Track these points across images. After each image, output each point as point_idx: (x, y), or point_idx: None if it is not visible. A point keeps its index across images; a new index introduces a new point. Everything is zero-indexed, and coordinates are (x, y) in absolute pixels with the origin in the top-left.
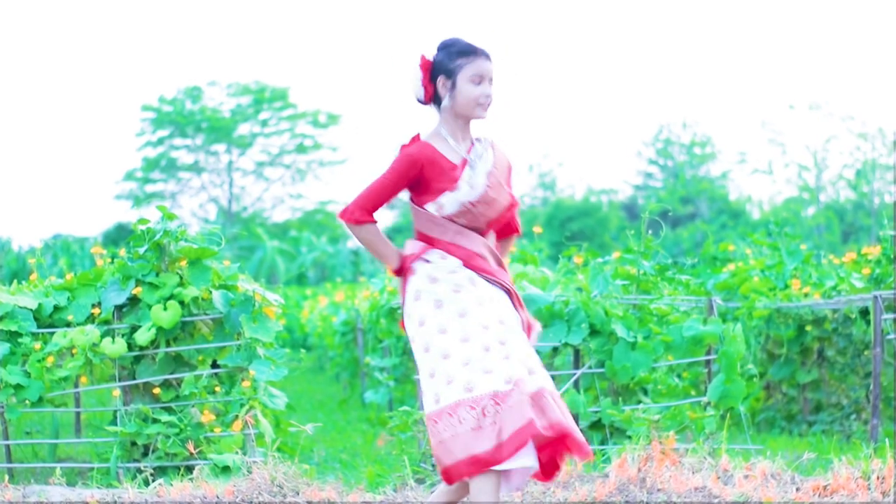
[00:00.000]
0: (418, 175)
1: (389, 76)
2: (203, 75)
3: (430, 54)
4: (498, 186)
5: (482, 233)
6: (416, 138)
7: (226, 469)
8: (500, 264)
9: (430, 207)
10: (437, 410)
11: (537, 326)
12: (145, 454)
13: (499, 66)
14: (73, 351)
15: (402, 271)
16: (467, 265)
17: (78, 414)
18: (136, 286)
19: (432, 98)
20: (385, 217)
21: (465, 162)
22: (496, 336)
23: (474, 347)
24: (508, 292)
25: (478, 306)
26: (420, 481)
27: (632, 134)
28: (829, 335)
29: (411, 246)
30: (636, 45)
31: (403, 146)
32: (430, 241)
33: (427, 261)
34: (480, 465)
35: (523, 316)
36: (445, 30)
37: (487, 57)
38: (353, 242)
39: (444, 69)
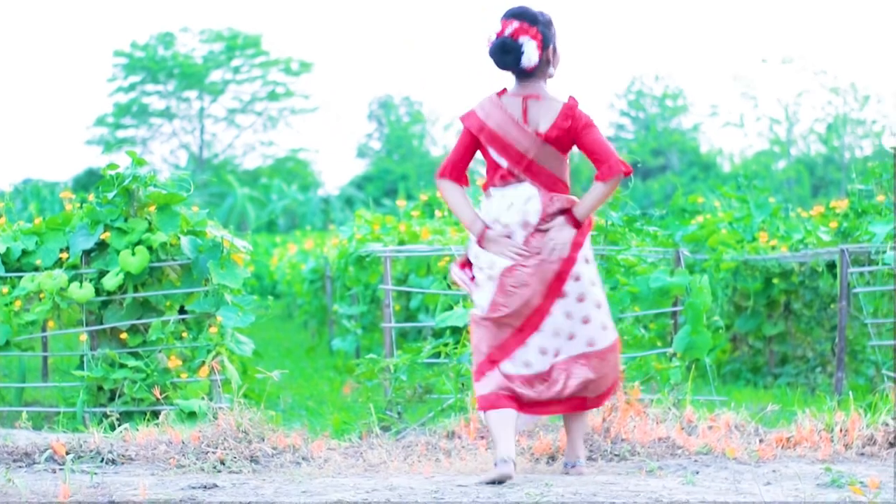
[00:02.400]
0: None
1: (362, 24)
2: (175, 21)
3: (521, 25)
4: None
5: None
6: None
7: (192, 415)
8: None
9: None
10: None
11: None
12: (112, 399)
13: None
14: (41, 295)
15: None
16: None
17: (45, 358)
18: (105, 231)
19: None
20: (357, 167)
21: None
22: None
23: None
24: None
25: None
26: (385, 429)
27: (604, 85)
28: (796, 288)
29: None
30: None
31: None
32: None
33: None
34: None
35: None
36: None
37: None
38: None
39: (551, 40)
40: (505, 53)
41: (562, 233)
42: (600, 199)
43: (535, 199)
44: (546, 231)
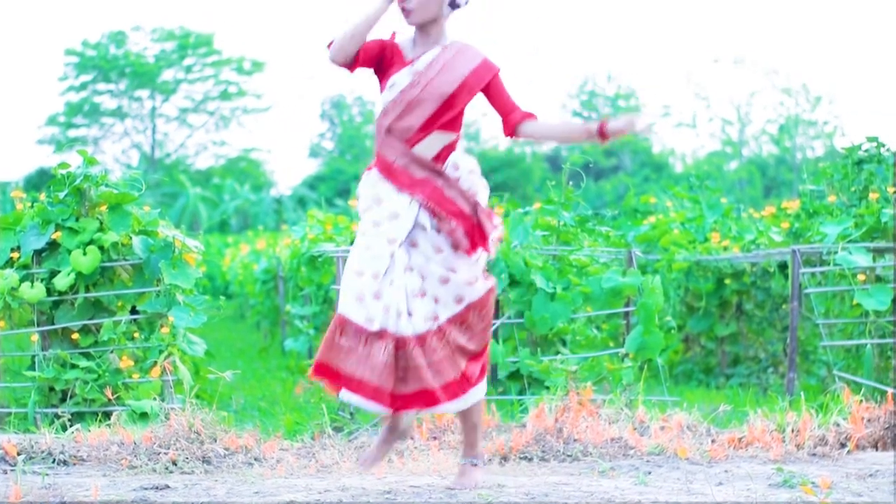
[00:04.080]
0: (379, 56)
1: (314, 23)
2: (127, 20)
3: None
4: (424, 88)
5: (410, 138)
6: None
7: (143, 415)
8: (433, 171)
9: (377, 108)
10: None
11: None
12: (63, 400)
13: None
14: None
15: None
16: (384, 175)
17: None
18: (56, 231)
19: None
20: (309, 167)
21: (404, 64)
22: (375, 266)
23: (355, 272)
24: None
25: (373, 227)
26: (338, 429)
27: (557, 86)
28: (748, 289)
29: None
30: None
31: None
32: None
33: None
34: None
35: (444, 227)
36: None
37: None
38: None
39: None
40: None
41: None
42: None
43: None
44: None
